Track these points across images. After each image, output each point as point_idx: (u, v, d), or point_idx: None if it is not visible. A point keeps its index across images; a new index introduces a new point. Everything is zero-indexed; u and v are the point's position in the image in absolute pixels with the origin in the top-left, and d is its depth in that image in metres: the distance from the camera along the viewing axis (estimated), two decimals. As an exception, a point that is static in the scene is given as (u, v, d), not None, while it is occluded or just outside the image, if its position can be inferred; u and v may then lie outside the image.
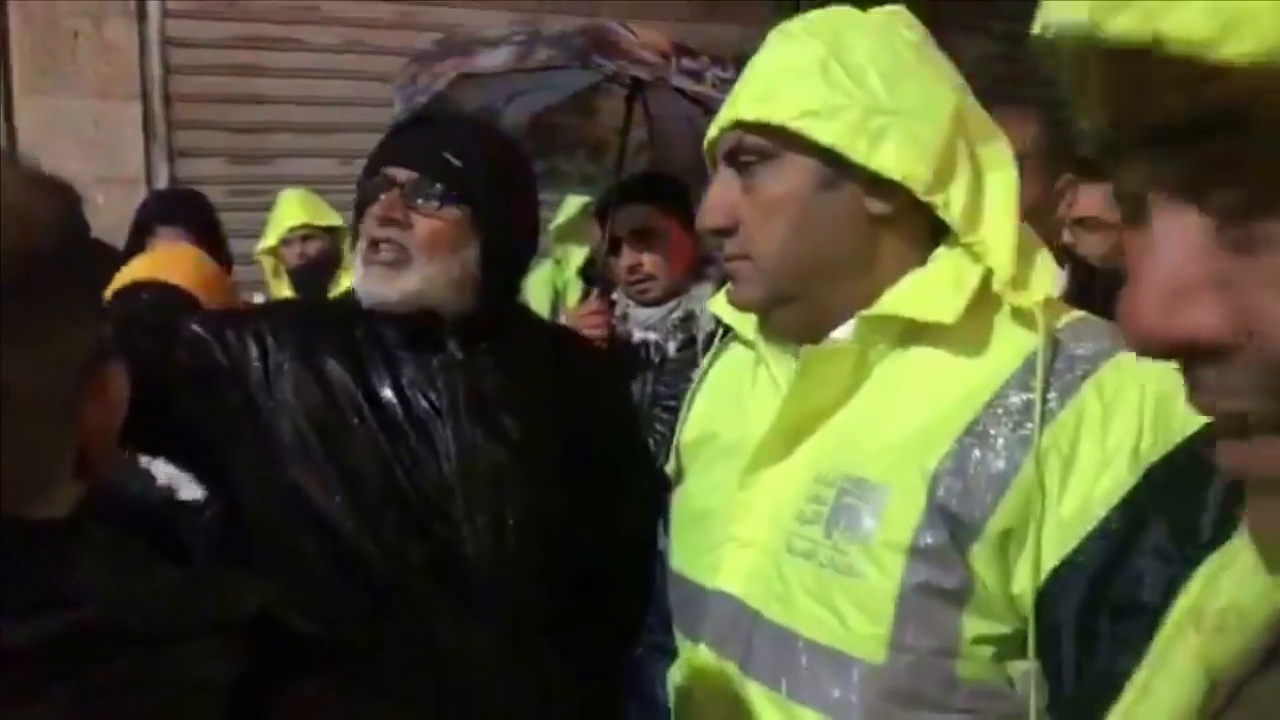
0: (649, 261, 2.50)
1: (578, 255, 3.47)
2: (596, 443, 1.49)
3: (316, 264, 3.61)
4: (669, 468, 1.23)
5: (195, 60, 4.35)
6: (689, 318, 2.49)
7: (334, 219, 3.68)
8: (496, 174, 1.42)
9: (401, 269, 1.37)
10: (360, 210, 1.44)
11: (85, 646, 0.49)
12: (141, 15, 4.25)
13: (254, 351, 1.38)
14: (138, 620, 0.52)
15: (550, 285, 3.53)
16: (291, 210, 3.68)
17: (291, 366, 1.38)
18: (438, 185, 1.38)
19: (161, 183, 4.28)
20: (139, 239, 2.74)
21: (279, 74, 4.47)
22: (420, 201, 1.38)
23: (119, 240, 2.68)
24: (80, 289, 0.60)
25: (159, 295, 1.80)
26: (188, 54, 4.34)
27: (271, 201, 3.83)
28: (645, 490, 1.34)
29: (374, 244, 1.38)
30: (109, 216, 2.99)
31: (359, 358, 1.41)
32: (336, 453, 1.35)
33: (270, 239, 3.72)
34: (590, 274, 3.17)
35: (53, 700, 0.48)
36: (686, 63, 2.60)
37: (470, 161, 1.39)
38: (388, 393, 1.39)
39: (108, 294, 1.76)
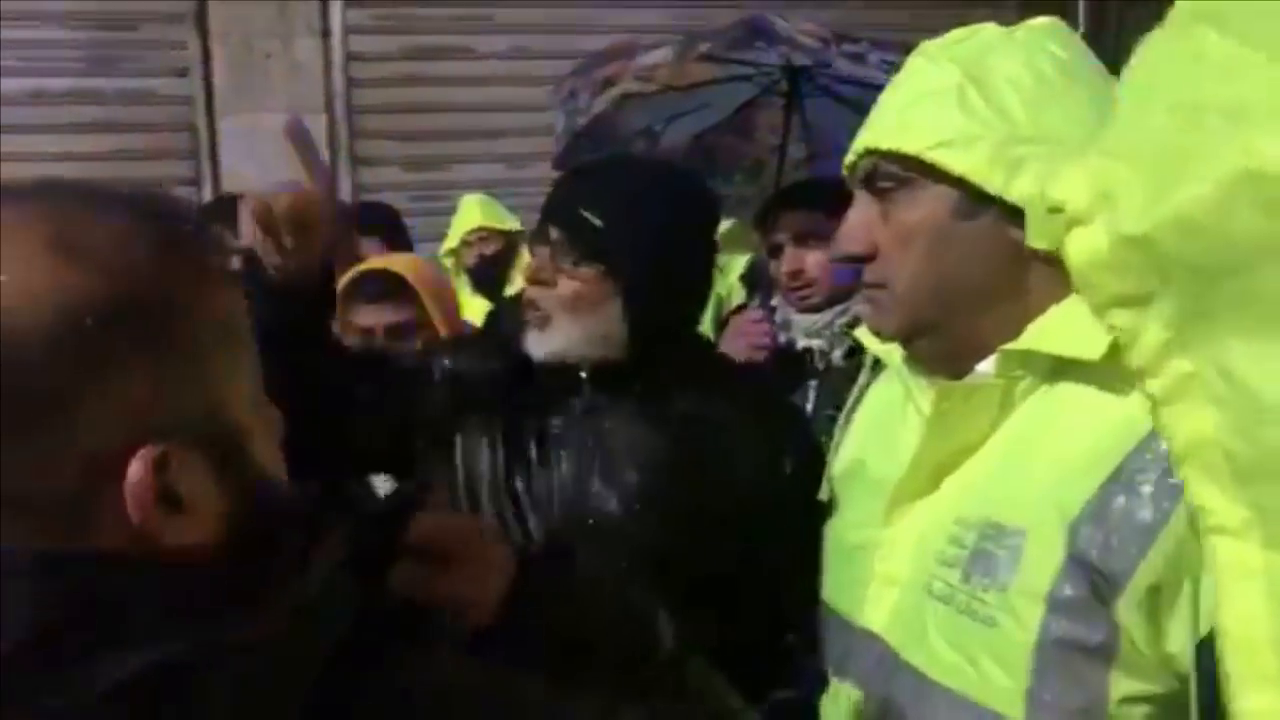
0: (811, 265, 2.44)
1: (739, 262, 3.46)
2: (728, 497, 1.43)
3: (492, 263, 3.83)
4: (820, 494, 1.21)
5: (374, 73, 4.55)
6: (855, 324, 2.42)
7: (510, 222, 3.91)
8: (641, 229, 1.40)
9: (546, 329, 1.40)
10: (514, 251, 1.50)
11: (155, 691, 0.52)
12: (325, 34, 4.49)
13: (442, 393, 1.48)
14: (206, 660, 0.54)
15: (712, 292, 3.53)
16: (471, 214, 3.97)
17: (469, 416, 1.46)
18: (577, 246, 1.39)
19: (345, 191, 4.52)
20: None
21: (451, 83, 4.63)
22: (563, 262, 1.39)
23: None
24: (74, 377, 0.53)
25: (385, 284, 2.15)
26: (367, 67, 4.55)
27: (446, 206, 4.02)
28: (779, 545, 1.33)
29: (528, 302, 1.42)
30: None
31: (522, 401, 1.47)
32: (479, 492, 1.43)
33: (452, 241, 4.02)
34: (752, 280, 3.14)
35: None
36: (848, 46, 2.55)
37: (612, 219, 1.38)
38: (532, 443, 1.44)
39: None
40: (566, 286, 1.39)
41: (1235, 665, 0.52)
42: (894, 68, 2.64)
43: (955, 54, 0.97)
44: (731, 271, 3.58)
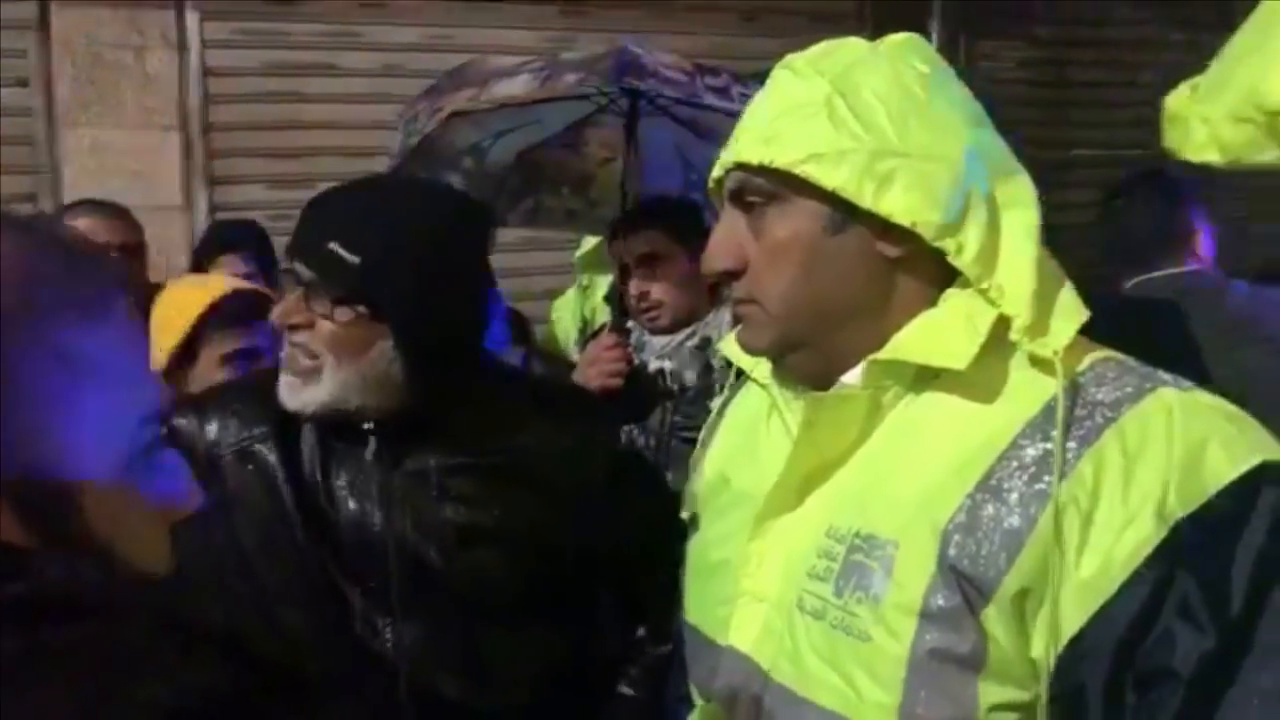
0: (656, 288, 2.42)
1: (603, 282, 3.46)
2: (565, 530, 1.38)
3: None
4: (683, 513, 1.20)
5: (232, 89, 4.39)
6: (706, 344, 2.40)
7: None
8: (402, 261, 1.25)
9: (310, 379, 1.26)
10: None
11: (41, 610, 0.51)
12: (182, 46, 4.31)
13: (200, 443, 1.33)
14: (93, 596, 0.53)
15: (578, 312, 3.51)
16: None
17: (231, 460, 1.33)
18: (332, 285, 1.24)
19: (202, 210, 4.34)
20: (199, 265, 2.95)
21: (314, 99, 4.50)
22: (317, 305, 1.25)
23: (160, 266, 2.77)
24: None
25: None
26: (226, 83, 4.39)
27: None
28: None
29: (291, 351, 1.28)
30: (151, 244, 3.08)
31: (296, 455, 1.34)
32: (271, 562, 1.29)
33: None
34: (615, 300, 3.14)
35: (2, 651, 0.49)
36: (711, 80, 2.57)
37: (367, 252, 1.23)
38: (320, 498, 1.32)
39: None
40: (324, 329, 1.25)
41: None
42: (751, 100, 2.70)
43: (822, 67, 0.98)
44: (596, 292, 3.57)
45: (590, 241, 3.60)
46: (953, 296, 0.95)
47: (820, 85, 0.97)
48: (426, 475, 1.33)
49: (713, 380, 2.39)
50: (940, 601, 0.86)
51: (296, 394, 1.27)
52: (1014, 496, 0.85)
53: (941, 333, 0.93)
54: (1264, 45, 1.32)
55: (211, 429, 1.34)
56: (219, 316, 1.97)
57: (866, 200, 0.92)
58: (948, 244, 0.92)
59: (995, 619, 0.84)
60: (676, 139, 2.87)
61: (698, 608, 1.12)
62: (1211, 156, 1.45)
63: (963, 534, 0.86)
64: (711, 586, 1.09)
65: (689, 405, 2.37)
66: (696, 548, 1.16)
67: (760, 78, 2.68)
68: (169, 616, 0.56)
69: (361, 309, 1.25)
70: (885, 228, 0.94)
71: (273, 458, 1.32)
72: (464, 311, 1.35)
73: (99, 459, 0.57)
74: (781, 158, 0.94)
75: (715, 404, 2.32)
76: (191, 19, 4.33)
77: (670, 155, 2.93)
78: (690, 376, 2.41)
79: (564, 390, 1.90)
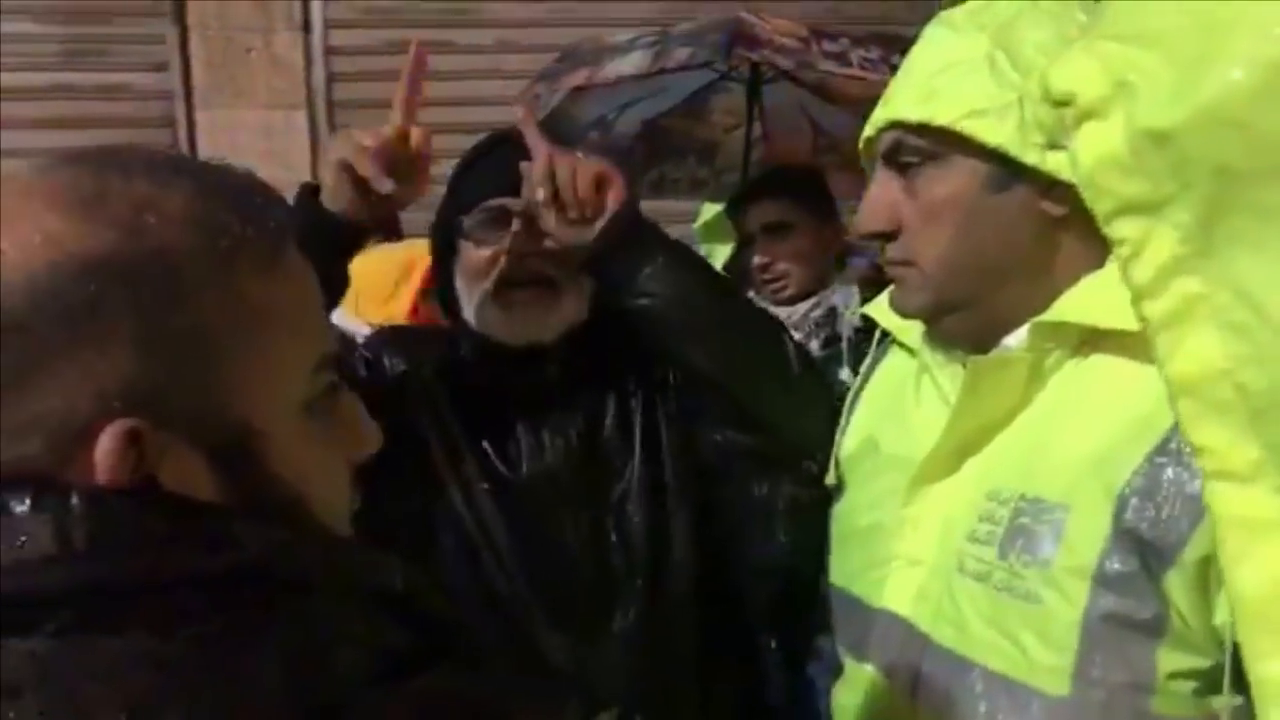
0: (782, 258, 2.40)
1: (722, 252, 3.44)
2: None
3: None
4: (828, 479, 1.19)
5: (355, 67, 4.50)
6: (831, 314, 2.37)
7: None
8: None
9: (550, 304, 1.28)
10: (446, 259, 1.33)
11: (247, 582, 0.52)
12: (306, 28, 4.43)
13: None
14: (293, 568, 0.53)
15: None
16: None
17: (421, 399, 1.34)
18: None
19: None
20: None
21: (433, 77, 4.57)
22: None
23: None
24: (54, 344, 0.52)
25: None
26: (348, 62, 4.50)
27: (429, 201, 3.96)
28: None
29: (511, 283, 1.27)
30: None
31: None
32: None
33: None
34: (736, 271, 3.12)
35: (216, 623, 0.50)
36: (828, 45, 2.53)
37: None
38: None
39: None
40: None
41: (1256, 629, 0.48)
42: (874, 64, 2.61)
43: (982, 21, 0.95)
44: (715, 261, 3.55)
45: (710, 211, 3.58)
46: None
47: (980, 40, 0.94)
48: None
49: (839, 351, 2.37)
50: (1116, 565, 0.84)
51: (541, 320, 1.29)
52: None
53: (1110, 293, 0.89)
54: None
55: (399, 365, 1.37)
56: None
57: (1031, 156, 0.89)
58: None
59: (1177, 585, 0.82)
60: (803, 102, 2.83)
61: (847, 572, 1.12)
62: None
63: (1141, 498, 0.84)
64: (862, 551, 1.09)
65: None
66: (844, 512, 1.15)
67: (880, 39, 2.61)
68: (353, 579, 0.57)
69: None
70: (1049, 185, 0.91)
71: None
72: None
73: (282, 406, 0.59)
74: (941, 115, 0.93)
75: (846, 371, 2.31)
76: (315, 2, 4.45)
77: (797, 119, 2.90)
78: (815, 346, 2.39)
79: None
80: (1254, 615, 0.47)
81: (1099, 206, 0.49)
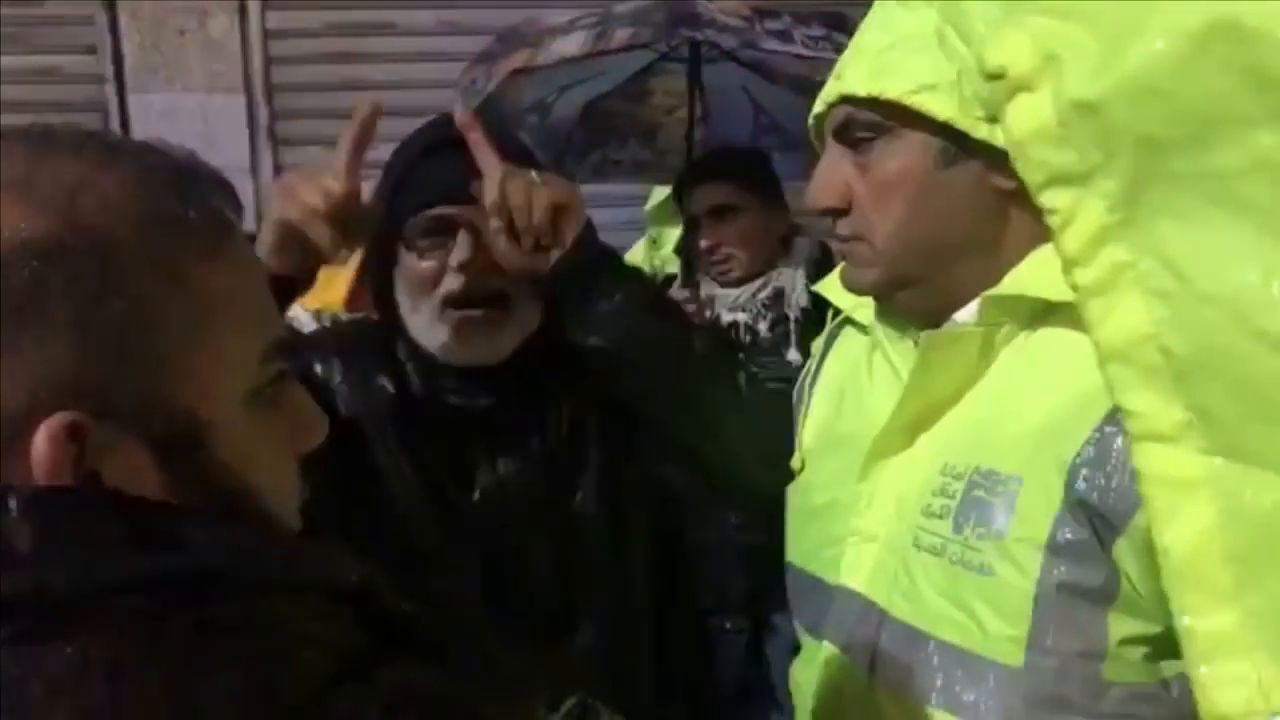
0: (728, 240, 2.41)
1: (672, 235, 3.45)
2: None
3: None
4: (792, 462, 1.19)
5: (293, 50, 4.42)
6: (778, 296, 2.39)
7: None
8: None
9: (501, 323, 1.21)
10: (384, 263, 1.25)
11: (202, 585, 0.50)
12: (242, 10, 4.33)
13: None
14: (248, 568, 0.52)
15: (647, 265, 3.51)
16: None
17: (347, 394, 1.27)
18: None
19: (266, 172, 4.38)
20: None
21: (374, 59, 4.51)
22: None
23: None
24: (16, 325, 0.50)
25: None
26: (287, 44, 4.42)
27: (372, 186, 3.90)
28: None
29: (457, 300, 1.20)
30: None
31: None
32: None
33: None
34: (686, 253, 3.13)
35: (172, 628, 0.48)
36: (771, 24, 2.53)
37: None
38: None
39: None
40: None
41: (1183, 585, 0.49)
42: (817, 42, 2.61)
43: None
44: (665, 245, 3.55)
45: (659, 195, 3.58)
46: None
47: (929, 15, 0.94)
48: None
49: (787, 331, 2.38)
50: (1068, 535, 0.85)
51: (489, 342, 1.25)
52: None
53: (1060, 268, 0.91)
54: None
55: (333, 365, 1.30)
56: None
57: (981, 131, 0.90)
58: None
59: (1126, 552, 0.83)
60: (743, 82, 2.83)
61: (803, 550, 1.13)
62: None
63: (1091, 468, 0.85)
64: (818, 528, 1.09)
65: (763, 357, 2.36)
66: (800, 490, 1.16)
67: (824, 18, 2.59)
68: (308, 577, 0.56)
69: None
70: (999, 159, 0.91)
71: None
72: None
73: (229, 395, 0.57)
74: (891, 89, 0.93)
75: (794, 351, 2.32)
76: (252, -18, 4.36)
77: (738, 99, 2.89)
78: (763, 329, 2.40)
79: None
80: (1181, 571, 0.49)
81: (1030, 177, 0.51)
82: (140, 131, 4.22)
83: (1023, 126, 0.50)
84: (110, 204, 0.53)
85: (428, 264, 1.21)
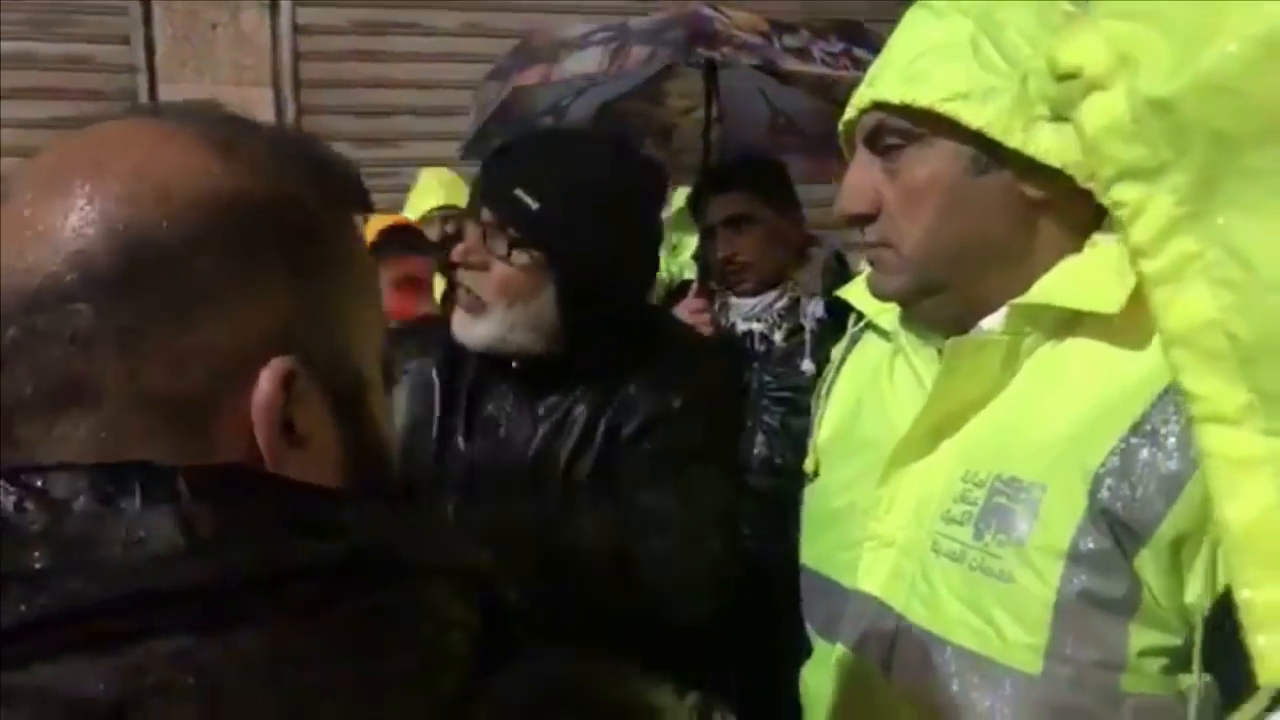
0: (744, 250, 2.40)
1: (690, 242, 3.45)
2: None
3: (454, 241, 3.65)
4: (806, 465, 1.20)
5: (322, 46, 4.46)
6: (794, 305, 2.38)
7: None
8: (577, 208, 1.32)
9: (479, 314, 1.34)
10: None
11: (360, 571, 0.50)
12: (273, 5, 4.37)
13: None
14: (405, 552, 0.52)
15: (665, 271, 3.51)
16: (433, 191, 3.80)
17: (406, 380, 1.45)
18: (509, 229, 1.32)
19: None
20: None
21: (401, 58, 4.55)
22: (495, 245, 1.33)
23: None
24: (222, 276, 0.51)
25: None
26: (315, 40, 4.45)
27: (396, 183, 3.93)
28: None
29: (460, 286, 1.36)
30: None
31: (454, 378, 1.45)
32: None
33: (410, 215, 3.82)
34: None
35: (348, 612, 0.49)
36: (789, 40, 2.51)
37: (548, 198, 1.31)
38: (461, 423, 1.43)
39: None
40: (497, 272, 1.33)
41: (1243, 558, 0.51)
42: (836, 58, 2.60)
43: (964, 6, 0.96)
44: (684, 250, 3.56)
45: (678, 201, 3.58)
46: (1100, 242, 0.93)
47: (963, 24, 0.95)
48: (559, 421, 1.39)
49: (802, 341, 2.39)
50: (1090, 544, 0.85)
51: (467, 327, 1.36)
52: (1171, 441, 0.84)
53: (1090, 277, 0.91)
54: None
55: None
56: (389, 244, 2.24)
57: (1014, 140, 0.90)
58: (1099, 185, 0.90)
59: (1149, 564, 0.83)
60: (759, 83, 2.83)
61: (819, 553, 1.13)
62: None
63: (1116, 478, 0.85)
64: (834, 532, 1.10)
65: (778, 366, 2.36)
66: (817, 494, 1.16)
67: (839, 30, 2.57)
68: (451, 560, 0.56)
69: (536, 254, 1.31)
70: (1031, 169, 0.92)
71: (436, 379, 1.44)
72: (631, 268, 1.41)
73: (376, 357, 0.60)
74: (924, 96, 0.93)
75: (809, 362, 2.32)
76: (283, -24, 4.40)
77: (753, 99, 2.89)
78: (778, 338, 2.40)
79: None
80: (1241, 546, 0.51)
81: (1102, 171, 0.53)
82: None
83: (1096, 123, 0.52)
84: (300, 171, 0.56)
85: (454, 250, 1.39)
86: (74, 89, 4.08)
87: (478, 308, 1.34)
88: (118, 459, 0.48)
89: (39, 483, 0.46)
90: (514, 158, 1.39)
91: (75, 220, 0.49)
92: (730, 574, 1.35)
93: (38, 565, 0.44)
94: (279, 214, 0.54)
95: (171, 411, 0.50)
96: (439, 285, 3.24)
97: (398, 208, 3.90)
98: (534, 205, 1.30)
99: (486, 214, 1.34)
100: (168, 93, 4.25)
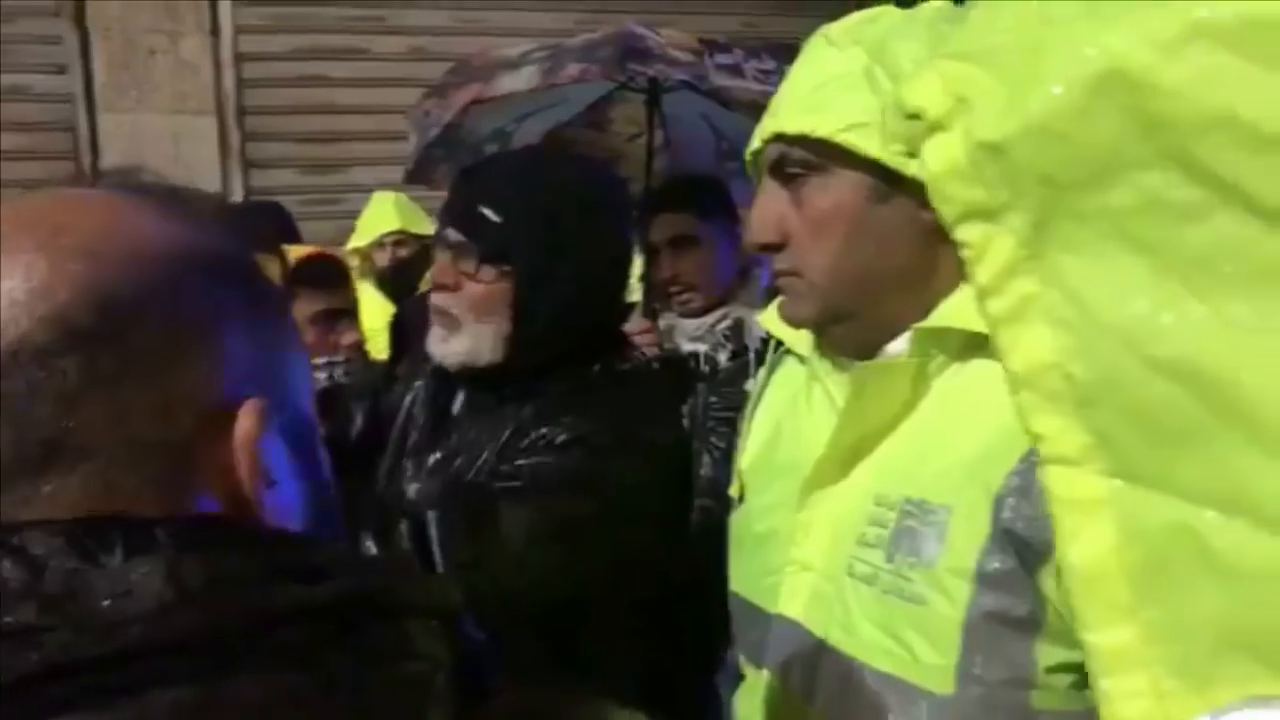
0: (688, 271, 2.41)
1: (636, 263, 3.44)
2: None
3: (406, 267, 3.67)
4: (731, 490, 1.21)
5: (265, 73, 4.43)
6: (738, 326, 2.39)
7: (426, 226, 3.67)
8: (539, 222, 1.35)
9: (454, 332, 1.37)
10: (429, 259, 1.49)
11: (345, 614, 0.51)
12: (215, 32, 4.35)
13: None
14: (384, 595, 0.53)
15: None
16: (386, 216, 3.77)
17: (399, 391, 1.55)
18: (476, 246, 1.34)
19: (237, 194, 4.38)
20: None
21: (346, 84, 4.53)
22: (465, 265, 1.35)
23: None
24: (194, 326, 0.53)
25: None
26: (258, 68, 4.43)
27: (342, 210, 3.90)
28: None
29: (436, 309, 1.39)
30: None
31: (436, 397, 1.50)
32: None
33: (360, 240, 3.81)
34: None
35: (339, 656, 0.49)
36: (721, 58, 2.54)
37: (510, 214, 1.34)
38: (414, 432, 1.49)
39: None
40: (469, 290, 1.35)
41: (1086, 600, 0.51)
42: (768, 75, 2.63)
43: (859, 36, 0.97)
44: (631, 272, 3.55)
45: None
46: None
47: (858, 55, 0.96)
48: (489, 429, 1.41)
49: (746, 362, 2.39)
50: (995, 565, 0.87)
51: (440, 347, 1.39)
52: None
53: None
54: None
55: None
56: (304, 278, 2.18)
57: (911, 168, 0.92)
58: None
59: (1051, 581, 0.85)
60: (703, 109, 2.85)
61: (744, 578, 1.13)
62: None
63: (1017, 497, 0.86)
64: (758, 557, 1.10)
65: (723, 387, 2.37)
66: (741, 520, 1.17)
67: (772, 49, 2.60)
68: (431, 601, 0.57)
69: (505, 268, 1.34)
70: (929, 197, 0.93)
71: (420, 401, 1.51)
72: (597, 282, 1.42)
73: (313, 404, 0.62)
74: (823, 127, 0.94)
75: (753, 381, 2.33)
76: (224, 4, 4.37)
77: (699, 125, 2.91)
78: (723, 358, 2.40)
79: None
80: (1084, 588, 0.51)
81: (945, 212, 0.53)
82: (109, 151, 4.21)
83: (937, 165, 0.53)
84: (231, 221, 0.60)
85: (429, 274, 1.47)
86: (11, 121, 4.02)
87: (453, 326, 1.36)
88: (112, 510, 0.49)
89: (15, 540, 0.47)
90: (478, 177, 1.43)
91: (40, 282, 0.50)
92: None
93: (25, 621, 0.44)
94: (232, 265, 0.57)
95: (160, 459, 0.51)
96: (376, 313, 3.22)
97: (345, 234, 3.88)
98: (497, 220, 1.33)
99: (453, 234, 1.36)
100: (108, 122, 4.20)
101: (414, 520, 1.25)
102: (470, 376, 1.41)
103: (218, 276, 0.55)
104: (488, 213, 1.34)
